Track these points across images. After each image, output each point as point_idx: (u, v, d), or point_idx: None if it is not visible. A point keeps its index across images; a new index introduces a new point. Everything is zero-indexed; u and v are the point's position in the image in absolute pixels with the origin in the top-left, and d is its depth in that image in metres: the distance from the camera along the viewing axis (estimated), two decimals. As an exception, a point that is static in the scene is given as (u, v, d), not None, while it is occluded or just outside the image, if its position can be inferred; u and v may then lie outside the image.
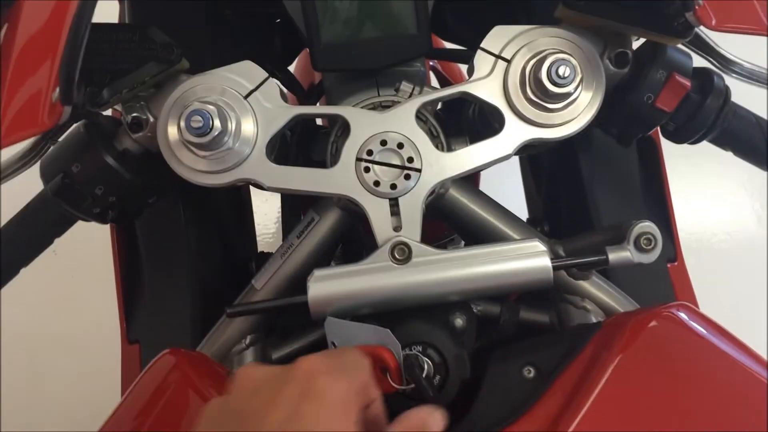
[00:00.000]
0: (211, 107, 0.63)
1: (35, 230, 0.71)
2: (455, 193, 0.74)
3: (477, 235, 0.75)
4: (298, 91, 1.02)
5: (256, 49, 1.01)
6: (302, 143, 0.86)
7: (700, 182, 2.36)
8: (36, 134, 0.51)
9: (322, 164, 0.77)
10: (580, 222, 0.84)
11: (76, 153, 0.69)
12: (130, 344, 0.87)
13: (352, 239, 0.87)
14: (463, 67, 1.12)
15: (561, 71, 0.61)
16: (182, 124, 0.62)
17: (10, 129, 0.48)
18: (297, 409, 0.44)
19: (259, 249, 1.05)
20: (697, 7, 0.55)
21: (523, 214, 0.97)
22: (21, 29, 0.53)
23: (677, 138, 0.73)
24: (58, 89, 0.50)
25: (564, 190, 0.90)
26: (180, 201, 0.83)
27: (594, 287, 0.74)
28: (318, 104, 0.93)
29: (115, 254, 0.85)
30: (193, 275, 0.83)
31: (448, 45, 1.14)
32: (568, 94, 0.63)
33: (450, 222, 0.78)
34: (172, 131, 0.64)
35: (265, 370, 0.49)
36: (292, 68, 1.14)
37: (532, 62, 0.64)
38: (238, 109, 0.66)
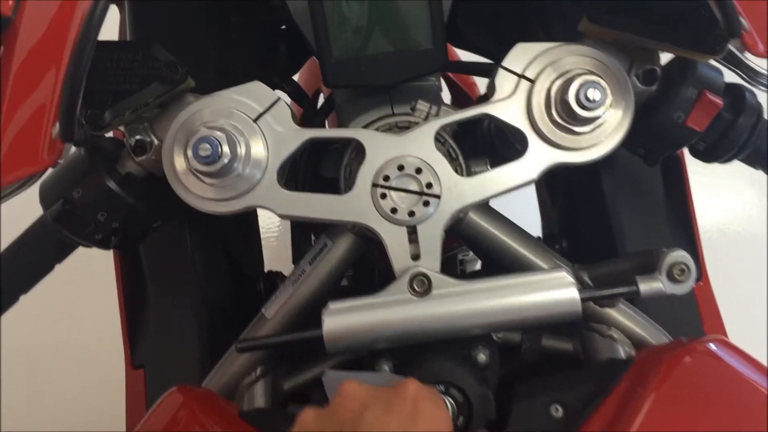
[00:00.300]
0: (219, 133, 0.59)
1: (35, 257, 0.68)
2: (474, 217, 0.71)
3: (497, 260, 0.72)
4: (305, 104, 0.99)
5: (262, 57, 0.98)
6: (312, 159, 0.83)
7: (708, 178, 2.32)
8: (35, 173, 0.48)
9: (333, 181, 0.74)
10: (603, 241, 0.81)
11: (77, 177, 0.66)
12: (135, 369, 0.84)
13: (365, 262, 0.84)
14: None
15: (590, 94, 0.58)
16: (189, 152, 0.59)
17: (7, 167, 0.45)
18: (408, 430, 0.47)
19: (265, 251, 1.01)
20: (744, 33, 0.52)
21: (533, 222, 0.94)
22: (17, 57, 0.49)
23: (707, 157, 0.70)
24: (57, 124, 0.46)
25: (584, 206, 0.87)
26: (186, 224, 0.80)
27: (620, 315, 0.70)
28: (327, 120, 0.89)
29: (118, 277, 0.82)
30: (199, 298, 0.80)
31: (459, 51, 1.11)
32: (597, 118, 0.60)
33: (468, 244, 0.74)
34: (179, 159, 0.61)
35: (369, 390, 0.51)
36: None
37: (558, 83, 0.61)
38: (248, 132, 0.62)
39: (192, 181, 0.62)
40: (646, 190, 0.80)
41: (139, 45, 0.65)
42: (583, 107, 0.59)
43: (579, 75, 0.59)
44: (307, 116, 0.97)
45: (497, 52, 0.98)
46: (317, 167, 0.80)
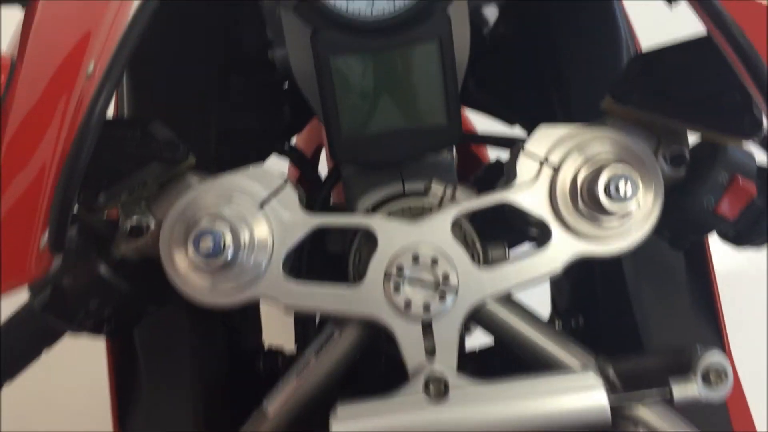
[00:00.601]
0: (221, 224, 0.55)
1: (20, 345, 0.64)
2: (492, 308, 0.66)
3: (516, 351, 0.68)
4: (308, 171, 0.95)
5: (264, 118, 0.94)
6: (317, 232, 0.79)
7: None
8: (21, 285, 0.43)
9: (339, 256, 0.70)
10: (623, 323, 0.77)
11: (68, 263, 0.62)
12: None
13: (373, 345, 0.79)
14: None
15: (621, 188, 0.54)
16: (190, 247, 0.55)
17: (-10, 280, 0.40)
18: None
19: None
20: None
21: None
22: (5, 150, 0.45)
23: (737, 242, 0.66)
24: (47, 233, 0.42)
25: (602, 284, 0.82)
26: (183, 306, 0.75)
27: (648, 412, 0.66)
28: (333, 191, 0.85)
29: (109, 360, 0.77)
30: (195, 382, 0.75)
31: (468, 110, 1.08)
32: (627, 211, 0.56)
33: (486, 331, 0.70)
34: (178, 251, 0.57)
35: None
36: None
37: (584, 171, 0.57)
38: (252, 219, 0.58)
39: (191, 273, 0.58)
40: (669, 273, 0.76)
41: (137, 123, 0.62)
42: (612, 200, 0.55)
43: (608, 164, 0.56)
44: (311, 187, 0.93)
45: (510, 116, 0.94)
46: (322, 240, 0.76)
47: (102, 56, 0.47)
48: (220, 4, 0.82)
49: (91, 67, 0.47)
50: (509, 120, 0.96)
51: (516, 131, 0.96)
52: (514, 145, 0.63)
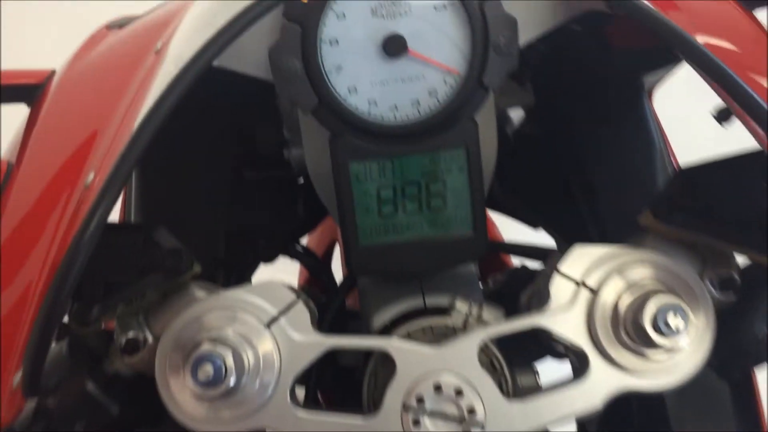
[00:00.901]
0: (224, 347, 0.50)
1: None
2: None
3: None
4: (320, 275, 0.90)
5: (277, 215, 0.90)
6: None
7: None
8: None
9: (351, 371, 0.64)
10: None
11: (55, 382, 0.56)
12: None
13: None
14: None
15: (671, 321, 0.49)
16: (188, 374, 0.49)
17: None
18: None
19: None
20: None
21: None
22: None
23: None
24: (20, 373, 0.37)
25: (639, 409, 0.76)
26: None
27: None
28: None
29: None
30: None
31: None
32: (677, 346, 0.50)
33: None
34: (175, 376, 0.51)
35: None
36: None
37: (627, 298, 0.52)
38: (258, 341, 0.53)
39: (188, 399, 0.52)
40: (714, 403, 0.70)
41: (140, 229, 0.57)
42: (661, 334, 0.49)
43: (654, 293, 0.50)
44: (322, 292, 0.88)
45: (534, 219, 0.90)
46: (333, 353, 0.70)
47: (103, 166, 0.43)
48: (236, 102, 0.79)
49: (90, 176, 0.42)
50: (533, 223, 0.92)
51: (541, 236, 0.92)
52: (546, 262, 0.58)
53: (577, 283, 0.54)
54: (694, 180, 0.57)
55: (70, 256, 0.40)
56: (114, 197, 0.43)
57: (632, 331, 0.51)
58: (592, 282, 0.54)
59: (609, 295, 0.53)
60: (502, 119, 0.84)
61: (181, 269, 0.57)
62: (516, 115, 0.88)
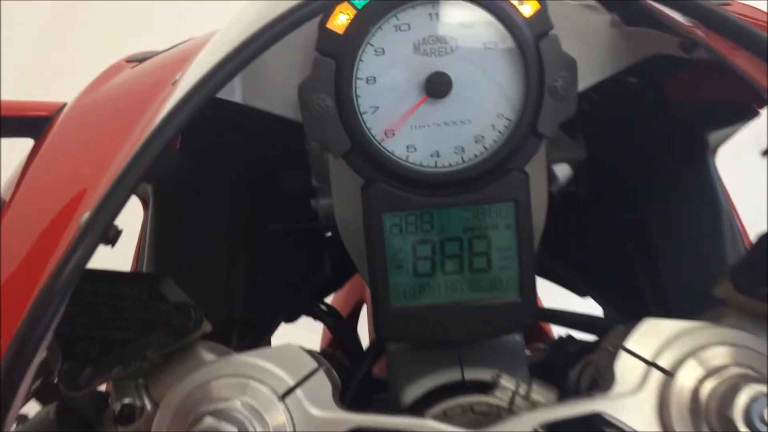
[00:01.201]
0: (228, 426, 0.42)
1: None
2: None
3: None
4: (345, 338, 0.82)
5: (301, 270, 0.83)
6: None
7: None
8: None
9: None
10: None
11: None
12: None
13: None
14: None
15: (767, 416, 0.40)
16: (186, 455, 0.42)
17: None
18: None
19: None
20: None
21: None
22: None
23: None
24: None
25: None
26: None
27: None
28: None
29: None
30: None
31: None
32: (774, 444, 0.42)
33: None
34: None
35: None
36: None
37: (710, 384, 0.44)
38: (270, 415, 0.45)
39: None
40: None
41: (145, 280, 0.51)
42: (754, 429, 0.41)
43: (745, 380, 0.42)
44: (347, 359, 0.80)
45: (582, 287, 0.82)
46: None
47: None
48: (262, 144, 0.73)
49: (85, 216, 0.36)
50: (580, 291, 0.84)
51: (590, 305, 0.83)
52: (606, 336, 0.50)
53: (648, 364, 0.46)
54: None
55: (39, 304, 0.33)
56: (97, 235, 0.36)
57: (717, 424, 0.43)
58: (665, 363, 0.45)
59: (687, 379, 0.44)
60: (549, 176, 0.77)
61: (189, 328, 0.50)
62: (561, 171, 0.81)
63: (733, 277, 0.50)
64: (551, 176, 0.81)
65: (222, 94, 0.57)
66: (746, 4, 0.60)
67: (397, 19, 0.52)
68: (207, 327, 0.51)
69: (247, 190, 0.77)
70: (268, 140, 0.72)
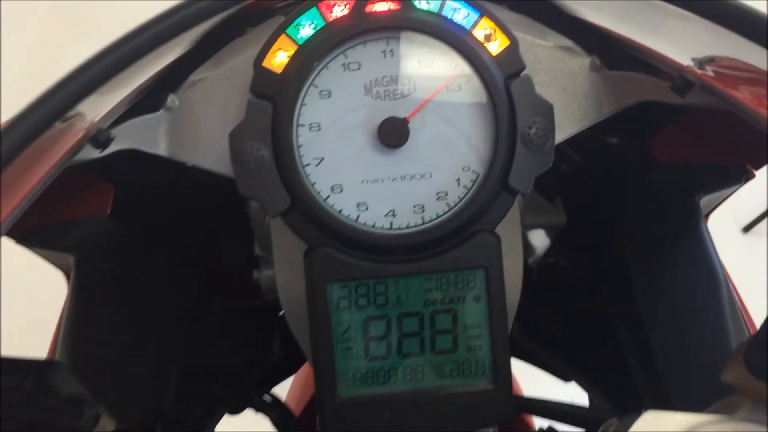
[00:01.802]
0: None
1: None
2: None
3: None
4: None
5: (247, 354, 0.74)
6: None
7: None
8: None
9: None
10: None
11: None
12: None
13: None
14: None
15: None
16: None
17: None
18: None
19: None
20: None
21: None
22: None
23: None
24: None
25: None
26: None
27: None
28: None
29: None
30: None
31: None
32: None
33: None
34: None
35: None
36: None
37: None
38: None
39: None
40: None
41: (30, 367, 0.41)
42: None
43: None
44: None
45: (565, 371, 0.73)
46: None
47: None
48: (202, 209, 0.65)
49: None
50: (564, 376, 0.75)
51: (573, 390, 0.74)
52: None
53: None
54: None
55: None
56: None
57: None
58: (672, 466, 0.37)
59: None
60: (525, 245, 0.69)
61: (81, 428, 0.40)
62: (538, 240, 0.74)
63: (747, 358, 0.41)
64: (528, 246, 0.73)
65: (146, 147, 0.50)
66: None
67: (346, 56, 0.45)
68: (108, 426, 0.42)
69: (188, 264, 0.69)
70: (208, 204, 0.64)
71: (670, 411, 0.40)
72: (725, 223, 2.12)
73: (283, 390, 0.93)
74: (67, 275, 0.70)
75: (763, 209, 2.05)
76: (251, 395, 0.66)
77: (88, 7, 2.52)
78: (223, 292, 0.73)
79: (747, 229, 2.11)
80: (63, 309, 0.67)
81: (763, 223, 2.07)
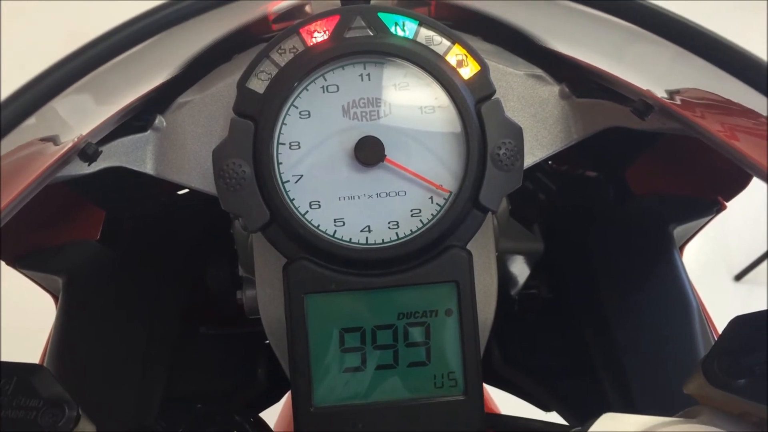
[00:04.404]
0: None
1: None
2: None
3: None
4: None
5: (232, 379, 0.74)
6: None
7: None
8: None
9: None
10: None
11: None
12: None
13: None
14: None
15: None
16: None
17: None
18: None
19: None
20: None
21: None
22: None
23: None
24: None
25: None
26: None
27: None
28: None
29: None
30: None
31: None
32: None
33: None
34: None
35: None
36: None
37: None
38: None
39: None
40: None
41: (13, 370, 0.43)
42: None
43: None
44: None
45: (546, 401, 0.73)
46: None
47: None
48: (192, 233, 0.67)
49: None
50: (544, 405, 0.75)
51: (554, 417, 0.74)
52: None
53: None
54: (759, 330, 0.42)
55: None
56: None
57: None
58: (631, 468, 0.37)
59: (657, 487, 0.36)
60: (501, 275, 0.71)
61: (59, 428, 0.41)
62: (519, 271, 0.75)
63: (705, 368, 0.43)
64: (511, 279, 0.75)
65: (133, 165, 0.51)
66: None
67: (325, 79, 0.47)
68: (88, 427, 0.43)
69: (174, 290, 0.70)
70: (194, 228, 0.66)
71: (628, 414, 0.41)
72: (717, 272, 2.12)
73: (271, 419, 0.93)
74: (55, 298, 0.71)
75: (754, 257, 2.06)
76: (233, 419, 0.66)
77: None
78: (209, 319, 0.74)
79: (739, 277, 2.11)
80: (51, 329, 0.69)
81: (755, 271, 2.08)
